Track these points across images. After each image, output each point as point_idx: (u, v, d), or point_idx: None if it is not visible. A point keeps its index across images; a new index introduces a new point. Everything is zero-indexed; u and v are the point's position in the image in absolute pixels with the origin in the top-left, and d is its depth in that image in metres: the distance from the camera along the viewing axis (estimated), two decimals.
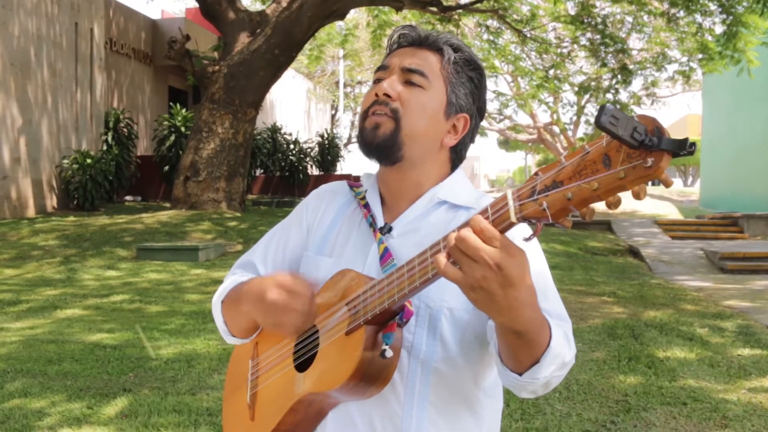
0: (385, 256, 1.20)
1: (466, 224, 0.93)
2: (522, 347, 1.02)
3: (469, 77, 1.28)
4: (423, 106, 1.23)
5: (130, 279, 8.12)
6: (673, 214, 18.23)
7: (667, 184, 0.78)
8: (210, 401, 3.83)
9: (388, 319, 1.09)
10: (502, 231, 0.91)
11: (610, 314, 6.31)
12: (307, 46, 14.68)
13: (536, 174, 0.87)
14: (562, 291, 7.49)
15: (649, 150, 0.75)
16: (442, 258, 0.93)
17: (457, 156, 1.32)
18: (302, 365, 1.19)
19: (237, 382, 1.36)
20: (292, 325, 1.12)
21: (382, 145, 1.22)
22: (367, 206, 1.30)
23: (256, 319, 1.19)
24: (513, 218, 0.88)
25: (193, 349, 4.94)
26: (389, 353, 1.07)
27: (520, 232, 1.09)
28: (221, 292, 1.36)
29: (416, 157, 1.25)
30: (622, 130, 0.74)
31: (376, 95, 1.24)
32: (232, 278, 1.39)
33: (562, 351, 1.06)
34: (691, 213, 18.17)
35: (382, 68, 1.28)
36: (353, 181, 1.40)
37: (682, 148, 0.74)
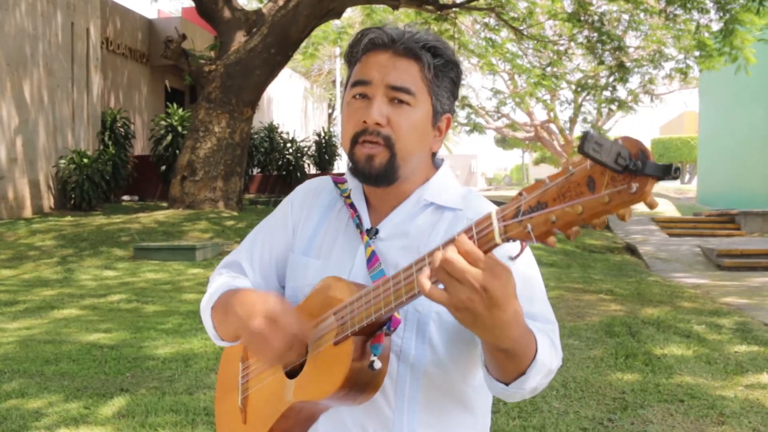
0: (372, 260, 1.20)
1: (450, 242, 0.92)
2: (508, 362, 1.03)
3: (450, 78, 1.25)
4: (413, 125, 1.21)
5: (128, 279, 8.12)
6: (670, 211, 18.24)
7: (652, 207, 0.78)
8: (207, 400, 3.83)
9: (376, 329, 1.09)
10: (487, 251, 0.90)
11: (608, 312, 6.31)
12: (302, 44, 14.66)
13: (520, 194, 0.87)
14: (560, 289, 7.51)
15: (633, 175, 0.75)
16: (425, 280, 0.92)
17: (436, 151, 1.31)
18: (292, 371, 1.19)
19: (228, 385, 1.37)
20: (268, 360, 1.13)
21: (381, 175, 1.21)
22: (353, 206, 1.29)
23: (239, 336, 1.17)
24: (497, 239, 0.88)
25: (190, 348, 4.94)
26: (378, 364, 1.07)
27: (506, 249, 1.09)
28: (210, 297, 1.33)
29: (410, 172, 1.24)
30: (605, 156, 0.74)
31: (365, 122, 1.19)
32: (219, 280, 1.35)
33: (548, 361, 1.07)
34: (688, 210, 18.19)
35: (361, 83, 1.22)
36: (337, 177, 1.38)
37: (667, 174, 0.74)
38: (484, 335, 0.96)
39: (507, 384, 1.07)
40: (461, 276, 0.89)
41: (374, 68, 1.21)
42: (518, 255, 0.91)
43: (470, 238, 0.91)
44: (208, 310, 1.32)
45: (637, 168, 0.74)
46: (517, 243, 0.90)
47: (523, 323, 0.99)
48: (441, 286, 0.93)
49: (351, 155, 1.23)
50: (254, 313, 1.11)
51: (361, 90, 1.22)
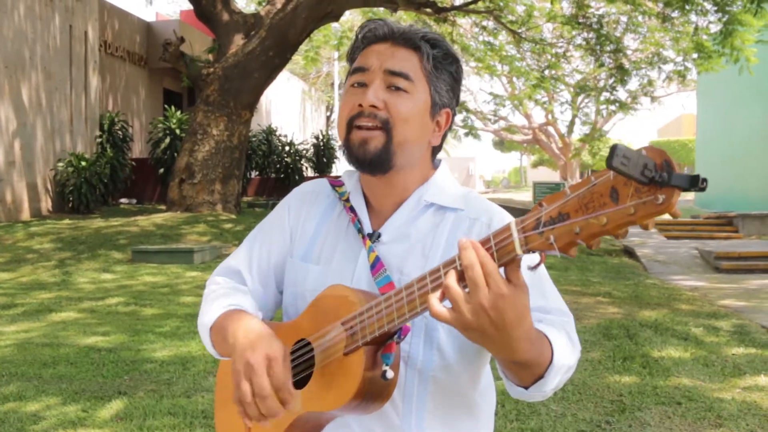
0: (377, 266, 1.17)
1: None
2: (523, 372, 1.03)
3: (449, 72, 1.24)
4: (411, 111, 1.19)
5: (125, 282, 8.11)
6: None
7: (676, 216, 0.78)
8: (205, 403, 3.83)
9: (387, 339, 1.08)
10: (506, 263, 0.89)
11: (606, 314, 6.31)
12: (303, 47, 14.67)
13: (540, 204, 0.86)
14: (558, 291, 7.51)
15: (659, 186, 0.74)
16: (434, 299, 0.91)
17: (437, 149, 1.29)
18: (299, 381, 1.17)
19: (228, 395, 1.34)
20: (241, 394, 1.05)
21: (375, 160, 1.18)
22: (352, 209, 1.27)
23: (230, 358, 1.12)
24: (518, 251, 0.87)
25: (188, 351, 4.93)
26: (390, 374, 1.05)
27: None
28: (209, 315, 1.26)
29: (406, 162, 1.22)
30: (633, 170, 0.74)
31: (361, 105, 1.18)
32: (218, 292, 1.30)
33: (565, 360, 1.06)
34: (686, 213, 18.21)
35: (360, 70, 1.21)
36: (334, 180, 1.35)
37: (694, 185, 0.74)
38: (495, 352, 0.95)
39: (526, 388, 1.06)
40: (472, 291, 0.88)
41: (373, 56, 1.21)
42: (537, 265, 0.90)
43: (488, 249, 0.89)
44: (207, 330, 1.26)
45: (664, 180, 0.74)
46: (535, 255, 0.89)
47: (534, 336, 0.97)
48: (448, 304, 0.91)
49: (346, 141, 1.20)
50: (257, 348, 1.06)
51: (359, 78, 1.21)
